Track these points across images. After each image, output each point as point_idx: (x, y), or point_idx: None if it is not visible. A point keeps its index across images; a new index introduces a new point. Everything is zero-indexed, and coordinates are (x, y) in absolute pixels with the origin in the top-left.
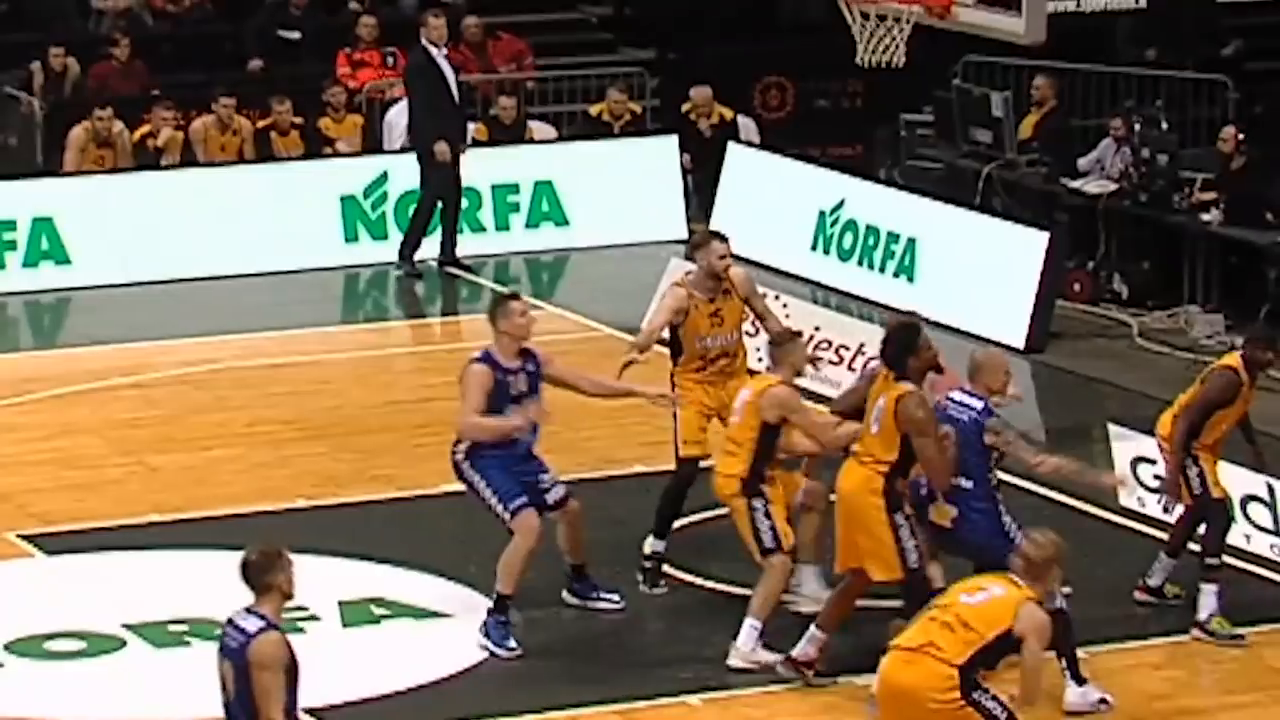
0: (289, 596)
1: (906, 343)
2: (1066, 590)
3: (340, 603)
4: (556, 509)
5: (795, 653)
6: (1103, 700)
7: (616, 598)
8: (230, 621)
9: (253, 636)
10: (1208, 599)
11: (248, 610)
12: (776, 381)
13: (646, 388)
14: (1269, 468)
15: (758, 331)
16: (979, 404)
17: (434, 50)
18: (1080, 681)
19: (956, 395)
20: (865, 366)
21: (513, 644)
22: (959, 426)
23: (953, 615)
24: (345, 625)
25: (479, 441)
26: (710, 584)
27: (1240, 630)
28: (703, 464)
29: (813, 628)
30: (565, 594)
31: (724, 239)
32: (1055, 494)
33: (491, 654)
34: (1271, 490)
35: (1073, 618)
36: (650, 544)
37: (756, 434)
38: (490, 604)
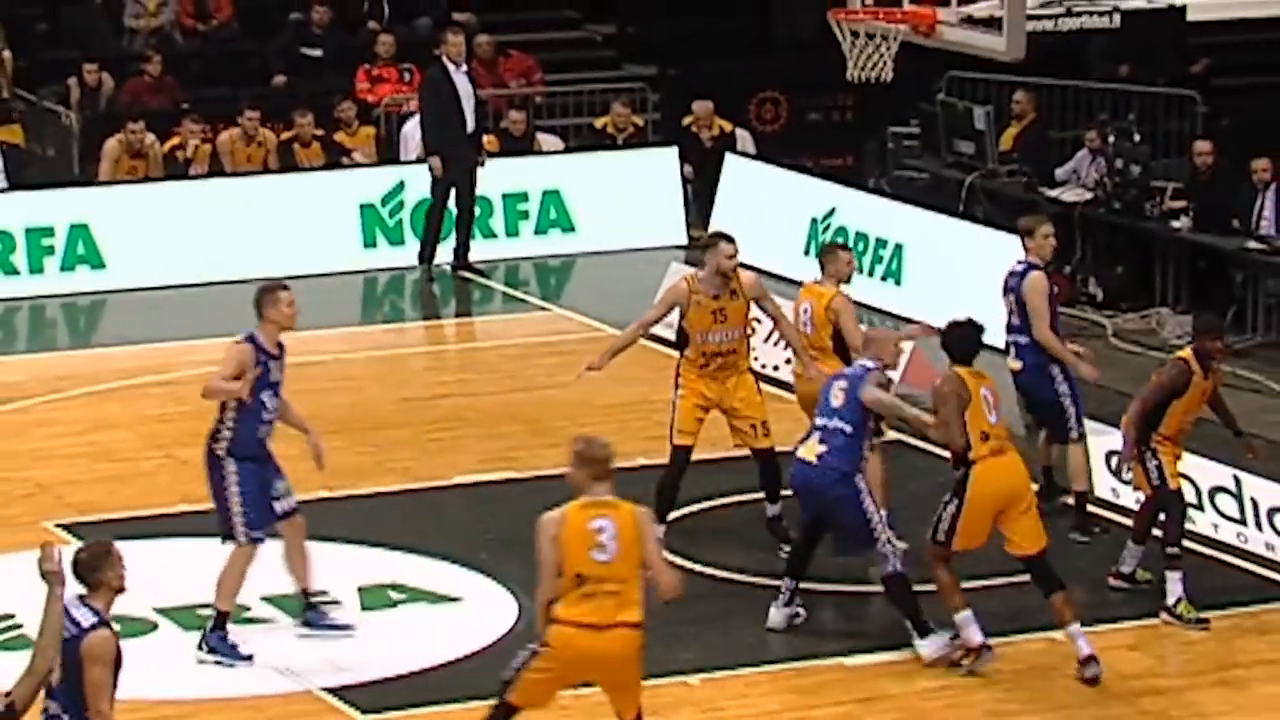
0: (120, 591)
1: (978, 339)
2: (903, 546)
3: (359, 588)
4: (283, 519)
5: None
6: (954, 636)
7: (348, 622)
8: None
9: (86, 631)
10: (1173, 585)
11: (81, 600)
12: (833, 293)
13: (313, 436)
14: (1258, 455)
15: (753, 332)
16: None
17: (451, 67)
18: (925, 633)
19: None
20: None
21: (245, 651)
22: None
23: (609, 585)
24: (364, 609)
25: (239, 436)
26: (708, 570)
27: (1205, 615)
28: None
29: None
30: (300, 624)
31: (731, 240)
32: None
33: (228, 664)
34: (1238, 481)
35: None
36: None
37: (833, 336)
38: (213, 622)
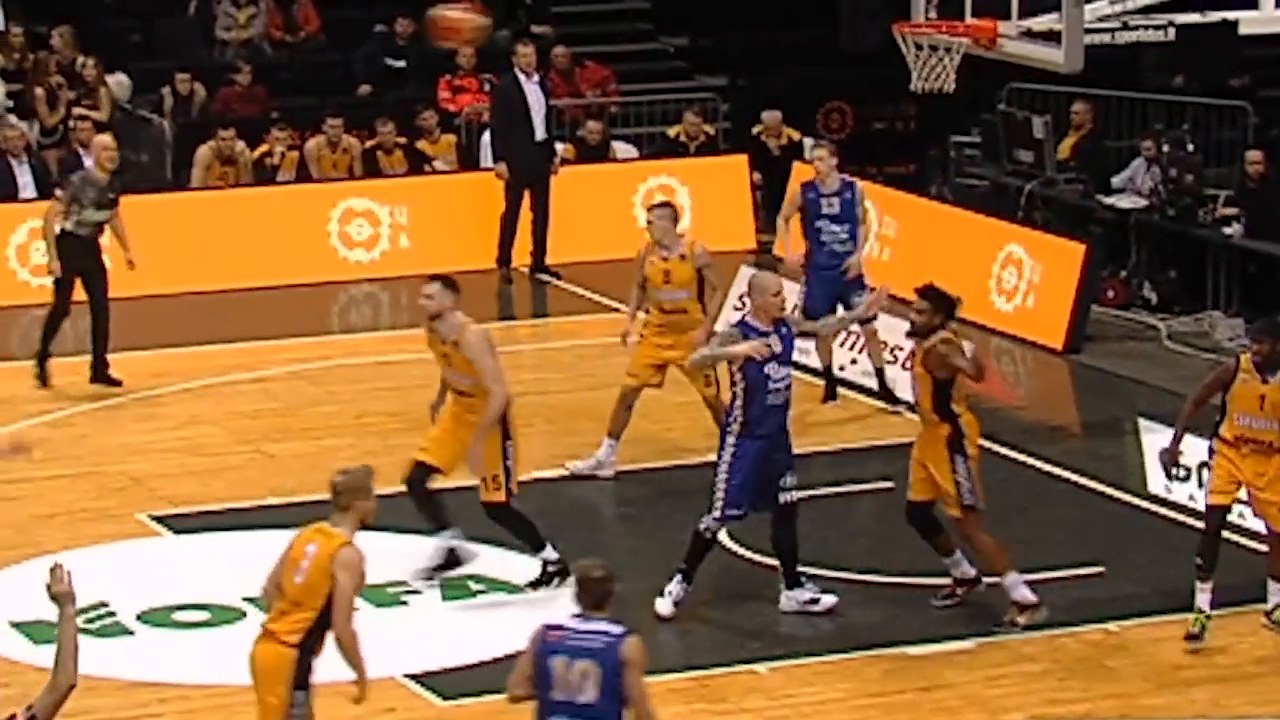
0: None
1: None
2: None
3: (441, 578)
4: None
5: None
6: (813, 600)
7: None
8: None
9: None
10: (1202, 596)
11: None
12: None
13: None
14: None
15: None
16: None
17: (522, 77)
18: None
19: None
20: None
21: None
22: None
23: (285, 605)
24: (445, 599)
25: None
26: (774, 562)
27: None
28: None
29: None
30: None
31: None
32: (1085, 480)
33: None
34: None
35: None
36: None
37: None
38: None
